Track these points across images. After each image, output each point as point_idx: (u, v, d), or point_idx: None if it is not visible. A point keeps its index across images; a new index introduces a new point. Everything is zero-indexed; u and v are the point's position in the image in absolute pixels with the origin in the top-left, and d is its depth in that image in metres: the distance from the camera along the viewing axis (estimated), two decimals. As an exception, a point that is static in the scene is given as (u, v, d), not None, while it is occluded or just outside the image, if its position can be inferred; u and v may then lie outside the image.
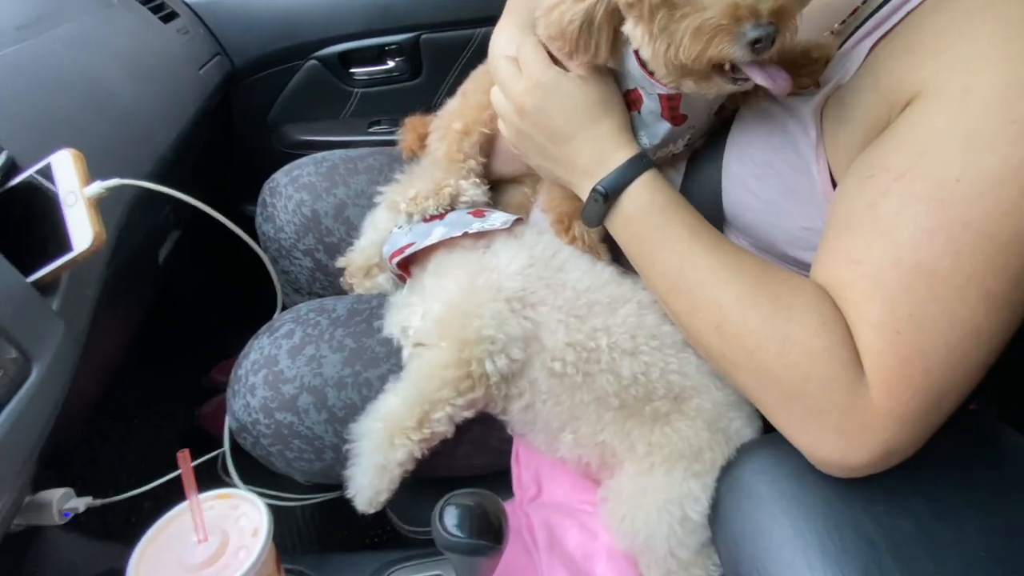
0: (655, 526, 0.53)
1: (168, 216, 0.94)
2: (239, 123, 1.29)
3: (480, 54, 0.74)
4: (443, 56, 1.26)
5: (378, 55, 1.27)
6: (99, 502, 0.60)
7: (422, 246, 0.64)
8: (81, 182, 0.53)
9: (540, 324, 0.58)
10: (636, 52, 0.52)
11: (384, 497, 0.59)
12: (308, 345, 0.66)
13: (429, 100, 1.26)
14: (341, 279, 0.79)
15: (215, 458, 0.83)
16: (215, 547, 0.49)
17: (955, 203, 0.42)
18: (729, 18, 0.44)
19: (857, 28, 0.54)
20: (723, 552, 0.52)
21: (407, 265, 0.68)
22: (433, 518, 0.49)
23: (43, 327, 0.50)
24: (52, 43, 0.75)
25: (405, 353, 0.63)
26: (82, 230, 0.52)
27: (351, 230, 0.83)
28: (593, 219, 0.57)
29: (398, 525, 0.74)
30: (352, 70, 1.28)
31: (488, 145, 0.72)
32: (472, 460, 0.69)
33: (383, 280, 0.76)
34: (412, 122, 0.86)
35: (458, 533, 0.47)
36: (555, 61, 0.57)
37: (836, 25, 0.58)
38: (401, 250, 0.65)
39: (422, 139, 0.82)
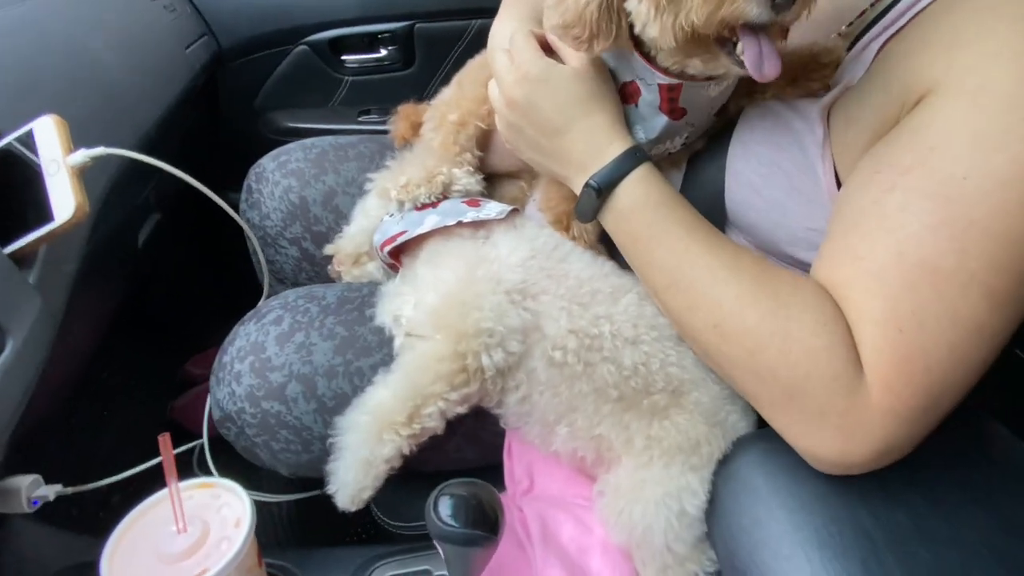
0: (652, 520, 0.53)
1: (148, 198, 0.91)
2: (225, 107, 1.27)
3: (474, 46, 0.73)
4: (437, 47, 1.24)
5: (370, 43, 1.25)
6: (70, 490, 0.57)
7: (414, 234, 0.62)
8: (64, 150, 0.51)
9: (541, 313, 0.57)
10: (636, 37, 0.51)
11: (368, 494, 0.57)
12: (297, 332, 0.64)
13: (421, 91, 1.24)
14: (329, 267, 0.77)
15: (190, 453, 0.80)
16: (195, 537, 0.47)
17: (961, 200, 0.42)
18: None
19: (865, 31, 0.54)
20: (720, 546, 0.52)
21: (398, 254, 0.67)
22: (427, 507, 0.48)
23: (19, 300, 0.48)
24: (36, 9, 0.73)
25: (397, 343, 0.62)
26: (64, 200, 0.50)
27: (340, 219, 0.81)
28: (586, 214, 0.55)
29: (383, 521, 0.72)
30: (343, 57, 1.26)
31: (484, 139, 0.71)
32: (463, 454, 0.68)
33: (372, 268, 0.74)
34: (405, 110, 0.84)
35: (453, 523, 0.46)
36: (548, 53, 0.56)
37: (843, 27, 0.58)
38: (393, 238, 0.64)
39: (415, 127, 0.81)
